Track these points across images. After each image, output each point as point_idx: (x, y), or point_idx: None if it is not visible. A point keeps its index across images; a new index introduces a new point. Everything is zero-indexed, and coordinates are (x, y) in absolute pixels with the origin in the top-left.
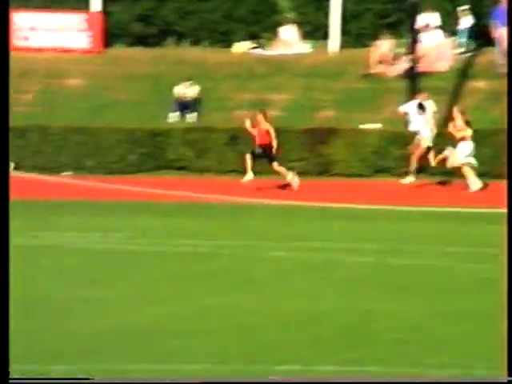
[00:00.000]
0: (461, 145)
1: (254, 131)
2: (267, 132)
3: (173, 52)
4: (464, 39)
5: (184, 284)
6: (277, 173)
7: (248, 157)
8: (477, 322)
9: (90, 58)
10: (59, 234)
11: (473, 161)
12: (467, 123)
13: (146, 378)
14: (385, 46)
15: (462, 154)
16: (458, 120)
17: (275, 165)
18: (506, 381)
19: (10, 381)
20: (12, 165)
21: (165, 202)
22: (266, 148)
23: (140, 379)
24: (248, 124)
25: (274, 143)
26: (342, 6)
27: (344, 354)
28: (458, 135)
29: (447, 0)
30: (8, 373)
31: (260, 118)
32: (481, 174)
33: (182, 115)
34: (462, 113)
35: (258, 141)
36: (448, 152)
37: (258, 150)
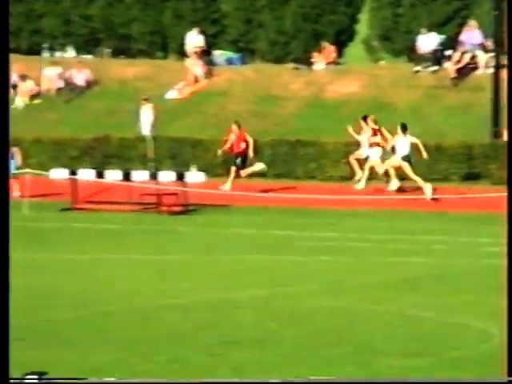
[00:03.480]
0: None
1: (228, 142)
2: (244, 141)
3: None
4: None
5: None
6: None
7: (233, 169)
8: None
9: None
10: None
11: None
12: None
13: (145, 378)
14: None
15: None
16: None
17: (242, 172)
18: (506, 381)
19: (11, 381)
20: None
21: None
22: (242, 156)
23: (139, 380)
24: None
25: (250, 152)
26: None
27: None
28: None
29: None
30: (8, 373)
31: (234, 128)
32: None
33: None
34: (375, 122)
35: (235, 150)
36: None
37: (237, 160)
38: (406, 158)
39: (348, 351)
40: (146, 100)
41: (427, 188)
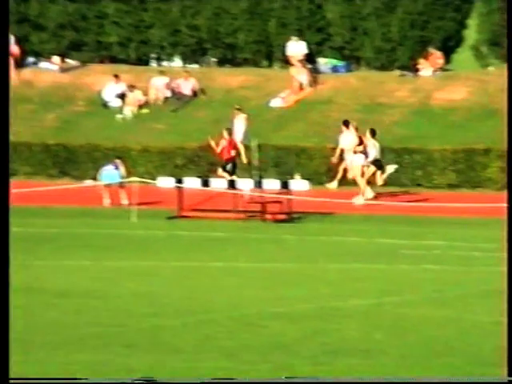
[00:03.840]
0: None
1: (219, 148)
2: (234, 149)
3: None
4: None
5: None
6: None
7: (220, 171)
8: None
9: None
10: None
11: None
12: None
13: (145, 378)
14: None
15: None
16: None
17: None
18: (506, 381)
19: (11, 381)
20: None
21: None
22: (232, 163)
23: (139, 379)
24: (212, 142)
25: (244, 159)
26: None
27: None
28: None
29: None
30: (8, 373)
31: (225, 135)
32: None
33: None
34: (357, 128)
35: (225, 156)
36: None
37: (227, 166)
38: (377, 163)
39: (456, 362)
40: (239, 110)
41: (367, 192)
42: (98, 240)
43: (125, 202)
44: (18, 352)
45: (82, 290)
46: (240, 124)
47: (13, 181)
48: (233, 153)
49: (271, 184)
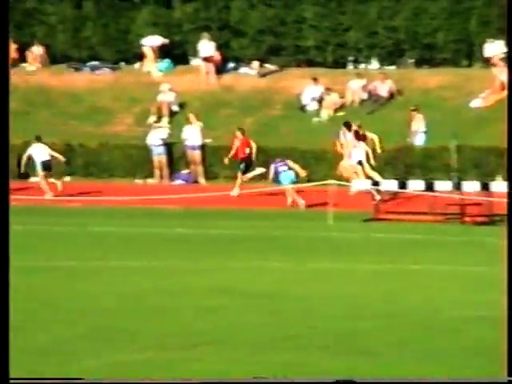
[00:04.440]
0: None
1: (235, 147)
2: (248, 147)
3: None
4: None
5: None
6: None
7: (239, 174)
8: None
9: None
10: None
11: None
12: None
13: (145, 378)
14: None
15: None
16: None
17: (244, 176)
18: (506, 381)
19: (11, 381)
20: None
21: None
22: (247, 161)
23: (139, 379)
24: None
25: (253, 157)
26: None
27: None
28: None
29: None
30: (8, 373)
31: (238, 134)
32: None
33: None
34: (360, 127)
35: (239, 156)
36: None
37: (241, 165)
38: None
39: None
40: (415, 111)
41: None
42: (296, 242)
43: (301, 202)
44: (213, 352)
45: (278, 291)
46: (416, 125)
47: (213, 184)
48: (247, 151)
49: (471, 186)
